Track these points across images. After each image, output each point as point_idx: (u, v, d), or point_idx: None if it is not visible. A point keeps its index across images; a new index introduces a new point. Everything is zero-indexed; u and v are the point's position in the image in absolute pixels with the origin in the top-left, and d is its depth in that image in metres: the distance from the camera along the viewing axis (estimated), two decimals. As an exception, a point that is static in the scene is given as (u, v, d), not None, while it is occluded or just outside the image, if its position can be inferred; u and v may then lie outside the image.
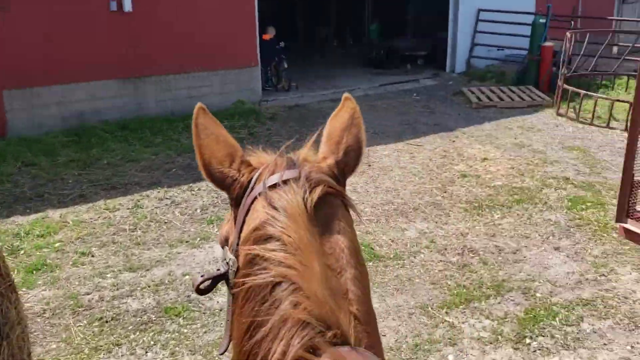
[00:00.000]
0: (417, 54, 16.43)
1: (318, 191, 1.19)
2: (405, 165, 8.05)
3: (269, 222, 1.15)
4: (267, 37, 12.88)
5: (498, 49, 14.87)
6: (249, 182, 1.29)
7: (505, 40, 14.88)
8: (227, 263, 1.25)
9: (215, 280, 1.28)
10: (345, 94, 1.52)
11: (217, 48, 10.55)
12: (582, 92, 10.46)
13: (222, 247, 1.37)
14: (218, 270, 1.28)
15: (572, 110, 10.59)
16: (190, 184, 7.23)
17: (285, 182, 1.21)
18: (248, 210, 1.23)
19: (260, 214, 1.18)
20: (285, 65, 13.13)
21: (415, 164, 8.10)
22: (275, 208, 1.16)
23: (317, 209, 1.18)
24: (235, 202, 1.30)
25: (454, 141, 9.18)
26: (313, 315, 1.02)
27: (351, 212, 1.31)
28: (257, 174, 1.28)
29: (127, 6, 9.29)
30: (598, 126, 9.95)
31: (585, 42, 11.74)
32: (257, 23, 11.02)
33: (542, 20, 12.02)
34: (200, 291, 1.29)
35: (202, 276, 1.29)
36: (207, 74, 10.54)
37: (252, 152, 1.38)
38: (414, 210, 6.48)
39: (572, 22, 12.71)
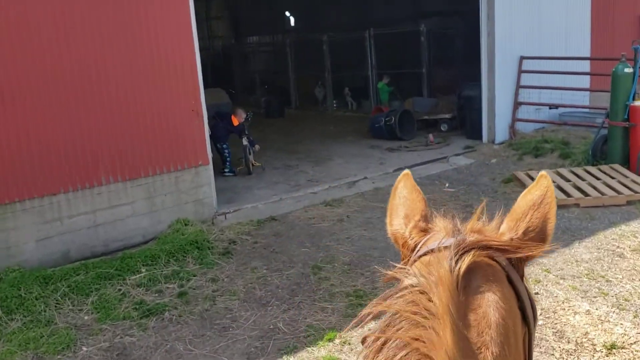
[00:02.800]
0: (440, 118, 12.65)
1: (468, 257, 1.11)
2: None
3: (413, 284, 1.10)
4: (237, 121, 10.20)
5: (550, 108, 11.07)
6: (415, 245, 1.29)
7: (556, 96, 11.14)
8: None
9: None
10: (542, 172, 1.33)
11: (143, 142, 6.81)
12: None
13: None
14: None
15: None
16: None
17: (442, 248, 1.17)
18: None
19: (410, 277, 1.14)
20: (257, 148, 10.24)
21: None
22: (422, 274, 1.12)
23: (470, 279, 1.11)
24: (404, 263, 1.29)
25: (537, 293, 5.20)
26: None
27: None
28: (424, 239, 1.27)
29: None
30: None
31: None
32: (202, 96, 7.30)
33: (629, 70, 8.18)
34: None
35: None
36: (125, 185, 6.76)
37: (433, 218, 1.35)
38: None
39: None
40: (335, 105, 18.26)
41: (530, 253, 1.21)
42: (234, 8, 26.18)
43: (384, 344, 1.04)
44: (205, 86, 20.12)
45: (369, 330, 1.08)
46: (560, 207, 7.29)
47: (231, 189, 8.77)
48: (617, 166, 8.33)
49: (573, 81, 11.34)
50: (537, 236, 1.24)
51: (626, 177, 7.88)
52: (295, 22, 24.56)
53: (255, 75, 22.03)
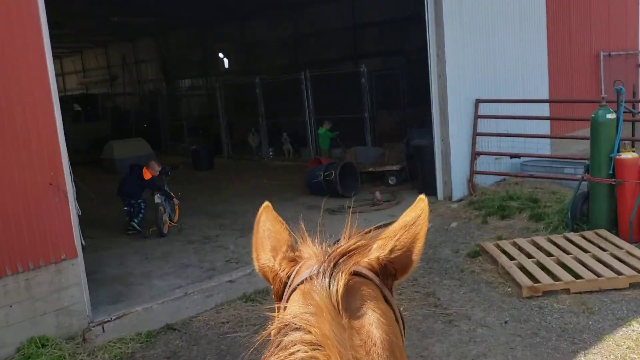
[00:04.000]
0: (387, 170, 11.04)
1: (343, 280, 1.14)
2: None
3: (296, 318, 1.09)
4: (148, 175, 8.79)
5: (512, 158, 9.65)
6: (288, 277, 1.27)
7: (519, 144, 9.83)
8: None
9: None
10: (421, 196, 1.34)
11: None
12: None
13: None
14: None
15: None
16: None
17: (316, 275, 1.18)
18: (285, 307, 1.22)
19: (291, 310, 1.16)
20: (175, 202, 8.87)
21: None
22: (304, 303, 1.14)
23: (349, 301, 1.14)
24: (277, 297, 1.30)
25: None
26: None
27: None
28: (296, 269, 1.27)
29: None
30: None
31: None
32: (65, 164, 5.32)
33: (611, 116, 6.76)
34: None
35: None
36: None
37: (299, 246, 1.34)
38: None
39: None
40: (271, 153, 16.51)
41: (403, 274, 1.26)
42: (165, 49, 24.34)
43: None
44: (128, 136, 18.10)
45: None
46: (546, 294, 5.65)
47: (122, 279, 6.73)
48: (604, 232, 6.81)
49: (533, 126, 10.05)
50: (404, 255, 1.24)
51: (619, 247, 6.36)
52: (230, 64, 22.92)
53: (183, 122, 20.06)
